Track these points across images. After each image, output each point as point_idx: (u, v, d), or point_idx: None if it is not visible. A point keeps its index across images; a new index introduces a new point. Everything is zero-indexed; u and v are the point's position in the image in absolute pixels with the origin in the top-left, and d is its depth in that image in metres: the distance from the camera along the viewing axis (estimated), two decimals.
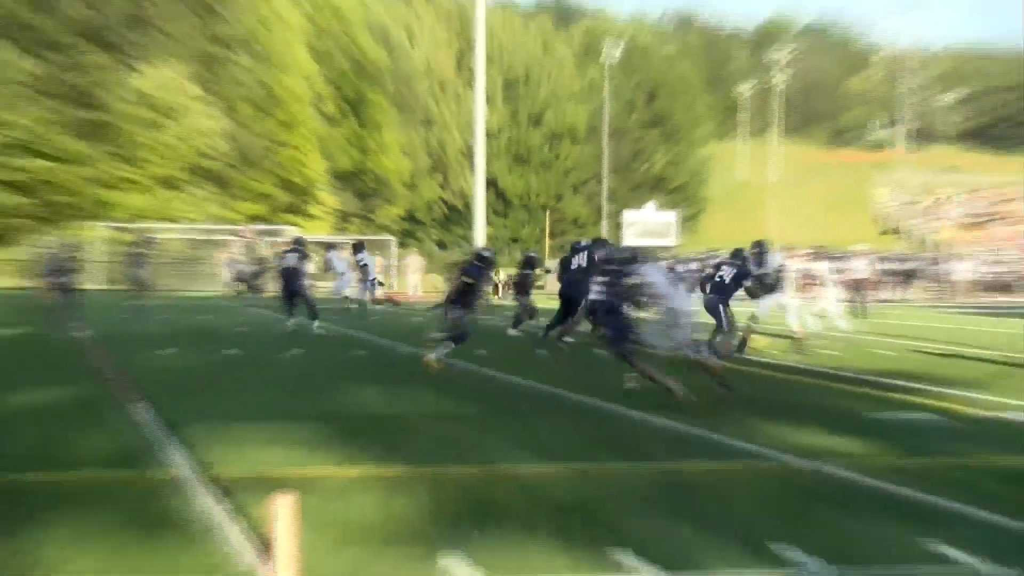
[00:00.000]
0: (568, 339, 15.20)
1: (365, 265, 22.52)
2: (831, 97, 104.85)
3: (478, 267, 12.22)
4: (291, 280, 17.63)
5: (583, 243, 16.56)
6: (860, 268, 24.53)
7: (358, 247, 23.35)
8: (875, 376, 12.35)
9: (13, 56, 40.59)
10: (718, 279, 14.33)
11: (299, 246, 18.44)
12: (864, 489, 6.48)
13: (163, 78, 43.82)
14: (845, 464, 7.01)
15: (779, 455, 7.36)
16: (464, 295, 12.28)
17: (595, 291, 10.19)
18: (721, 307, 14.04)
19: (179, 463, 6.81)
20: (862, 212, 64.87)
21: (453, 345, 11.91)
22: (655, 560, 4.75)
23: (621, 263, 10.14)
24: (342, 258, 24.35)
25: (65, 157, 41.93)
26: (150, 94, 43.89)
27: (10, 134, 39.83)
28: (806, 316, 16.21)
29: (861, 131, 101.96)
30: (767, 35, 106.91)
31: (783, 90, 71.28)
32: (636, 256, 10.62)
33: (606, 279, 9.99)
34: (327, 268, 26.08)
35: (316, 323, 17.19)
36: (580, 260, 15.39)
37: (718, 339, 13.84)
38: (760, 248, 15.55)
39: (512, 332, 17.63)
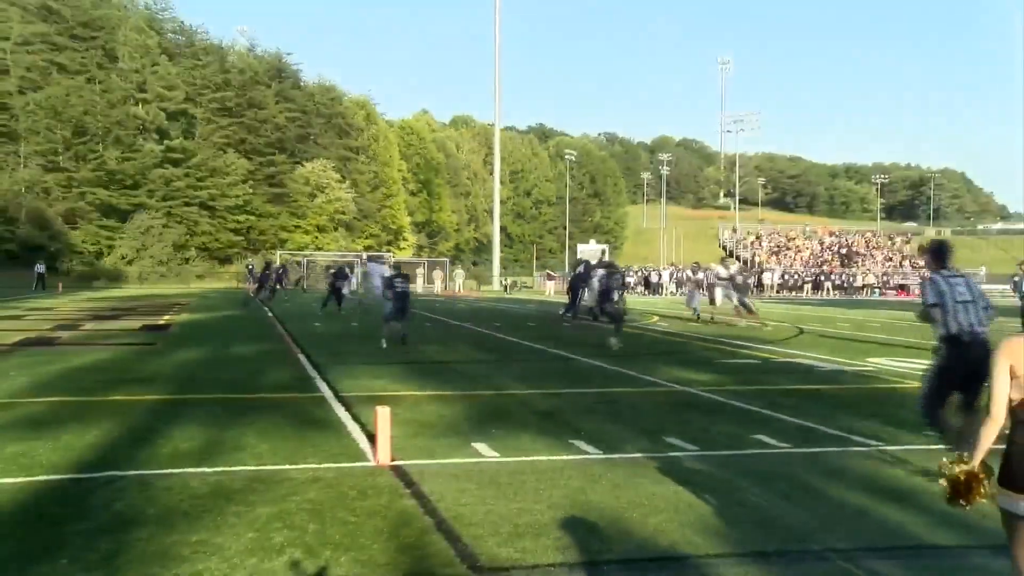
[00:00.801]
0: (568, 316, 21.82)
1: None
2: (694, 179, 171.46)
3: (580, 275, 18.60)
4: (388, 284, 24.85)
5: (581, 261, 26.57)
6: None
7: (373, 259, 30.81)
8: (726, 338, 17.94)
9: (234, 158, 67.32)
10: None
11: (381, 262, 26.12)
12: (716, 403, 9.51)
13: (317, 168, 70.39)
14: (703, 388, 10.46)
15: (667, 384, 11.13)
16: (604, 295, 17.08)
17: (597, 283, 17.03)
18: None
19: (322, 388, 10.15)
20: (712, 245, 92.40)
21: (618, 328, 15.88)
22: (598, 446, 7.12)
23: (608, 268, 17.61)
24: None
25: (262, 213, 68.58)
26: (309, 178, 70.17)
27: (234, 202, 65.94)
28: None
29: (712, 199, 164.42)
30: (659, 143, 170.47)
31: (665, 174, 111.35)
32: (611, 265, 18.66)
33: (603, 276, 16.92)
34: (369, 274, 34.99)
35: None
36: (579, 269, 22.93)
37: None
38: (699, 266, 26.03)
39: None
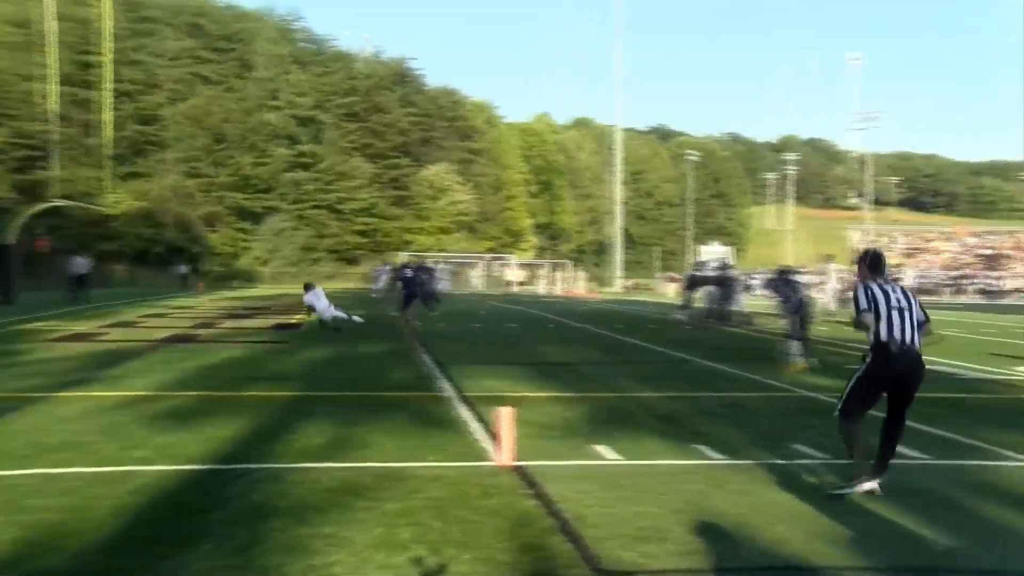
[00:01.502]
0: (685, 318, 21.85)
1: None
2: (821, 179, 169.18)
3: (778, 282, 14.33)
4: None
5: (698, 263, 26.58)
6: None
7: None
8: (856, 342, 15.46)
9: (360, 162, 70.00)
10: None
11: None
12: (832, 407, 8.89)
13: (439, 171, 72.21)
14: (831, 394, 9.20)
15: (792, 388, 10.93)
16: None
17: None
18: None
19: (444, 387, 10.29)
20: (841, 246, 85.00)
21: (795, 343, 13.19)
22: (720, 450, 7.04)
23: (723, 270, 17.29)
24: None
25: (386, 215, 70.79)
26: (432, 181, 71.99)
27: (359, 204, 68.72)
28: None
29: (840, 199, 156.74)
30: (784, 142, 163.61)
31: (791, 174, 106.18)
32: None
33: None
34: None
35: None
36: (694, 271, 23.73)
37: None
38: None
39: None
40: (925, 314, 5.89)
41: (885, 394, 5.91)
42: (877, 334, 5.74)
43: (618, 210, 60.69)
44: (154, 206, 59.90)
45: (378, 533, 4.75)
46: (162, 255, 57.95)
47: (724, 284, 22.12)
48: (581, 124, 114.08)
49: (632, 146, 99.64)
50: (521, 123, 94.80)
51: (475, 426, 7.93)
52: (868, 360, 5.85)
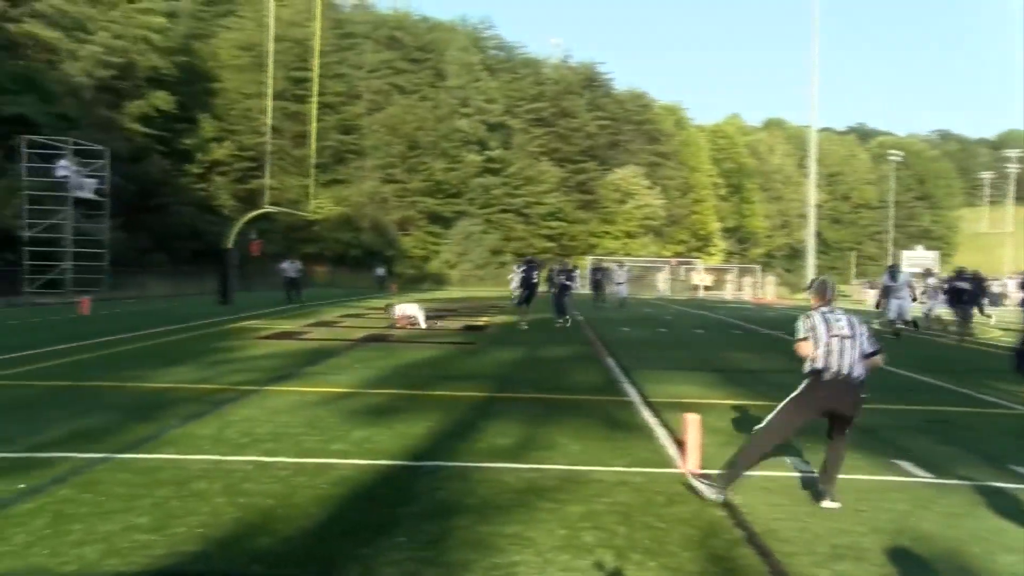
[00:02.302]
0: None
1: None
2: None
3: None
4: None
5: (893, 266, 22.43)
6: None
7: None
8: None
9: (548, 166, 70.89)
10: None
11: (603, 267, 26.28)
12: None
13: (627, 175, 72.02)
14: None
15: (1011, 405, 10.06)
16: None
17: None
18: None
19: (629, 392, 10.23)
20: None
21: None
22: (927, 468, 6.59)
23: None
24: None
25: (573, 219, 71.07)
26: (619, 184, 72.04)
27: (547, 209, 69.30)
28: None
29: None
30: (1004, 138, 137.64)
31: (1013, 173, 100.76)
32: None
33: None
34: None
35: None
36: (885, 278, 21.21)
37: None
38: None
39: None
40: (873, 345, 5.82)
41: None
42: (813, 361, 5.76)
43: (811, 213, 58.21)
44: (352, 211, 63.35)
45: (562, 535, 4.78)
46: (359, 258, 61.19)
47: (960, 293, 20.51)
48: (773, 125, 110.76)
49: (828, 147, 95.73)
50: (711, 125, 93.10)
51: (660, 432, 7.86)
52: (803, 384, 5.85)
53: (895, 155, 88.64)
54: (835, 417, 5.87)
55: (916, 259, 63.69)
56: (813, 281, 6.36)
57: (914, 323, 21.60)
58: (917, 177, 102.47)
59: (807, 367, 5.82)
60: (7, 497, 5.32)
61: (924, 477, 6.39)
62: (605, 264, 41.72)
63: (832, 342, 5.73)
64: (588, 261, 53.79)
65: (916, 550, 4.69)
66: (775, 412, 5.88)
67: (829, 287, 6.14)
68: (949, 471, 6.57)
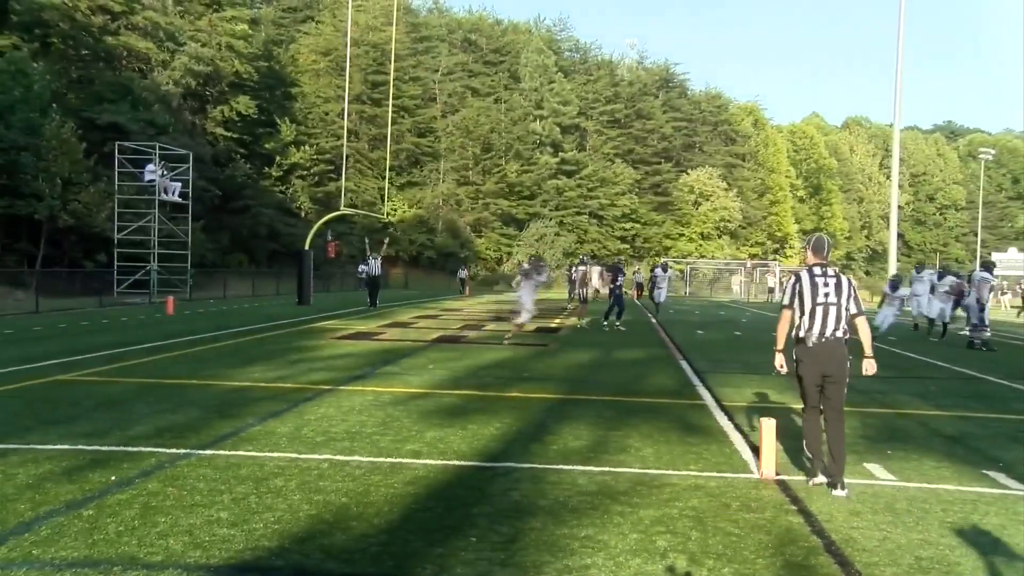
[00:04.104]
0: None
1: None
2: None
3: None
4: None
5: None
6: None
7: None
8: None
9: (622, 168, 70.67)
10: None
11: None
12: None
13: (702, 176, 71.63)
14: None
15: None
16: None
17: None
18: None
19: (704, 395, 10.20)
20: None
21: None
22: (1022, 480, 6.28)
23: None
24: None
25: (647, 221, 71.27)
26: (694, 186, 71.63)
27: (621, 211, 69.46)
28: None
29: None
30: None
31: None
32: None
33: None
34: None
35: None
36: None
37: None
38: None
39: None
40: (858, 307, 6.10)
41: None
42: (798, 328, 6.10)
43: (894, 215, 56.59)
44: (427, 213, 64.01)
45: (635, 539, 4.74)
46: (433, 259, 61.77)
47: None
48: (855, 124, 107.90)
49: (913, 146, 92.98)
50: (790, 125, 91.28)
51: (735, 436, 7.76)
52: (795, 357, 6.14)
53: (985, 152, 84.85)
54: (827, 383, 6.05)
55: (1007, 261, 61.44)
56: (811, 238, 6.48)
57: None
58: (1011, 176, 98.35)
59: (794, 333, 6.17)
60: (102, 488, 5.53)
61: (1019, 489, 6.11)
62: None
63: (817, 310, 6.01)
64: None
65: (1011, 568, 4.48)
66: (801, 392, 6.29)
67: (826, 244, 6.28)
68: None
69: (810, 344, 6.01)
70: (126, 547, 4.39)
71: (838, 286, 6.07)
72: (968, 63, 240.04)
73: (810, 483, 6.05)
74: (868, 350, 6.17)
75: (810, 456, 6.17)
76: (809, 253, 6.33)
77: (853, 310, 6.07)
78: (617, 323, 21.11)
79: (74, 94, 38.50)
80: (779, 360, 6.37)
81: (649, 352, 15.77)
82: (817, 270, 6.16)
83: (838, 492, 5.78)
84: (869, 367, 6.18)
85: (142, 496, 5.36)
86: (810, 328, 6.01)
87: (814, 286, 6.06)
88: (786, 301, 6.22)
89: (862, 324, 6.14)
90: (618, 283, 21.59)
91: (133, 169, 34.54)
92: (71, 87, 38.89)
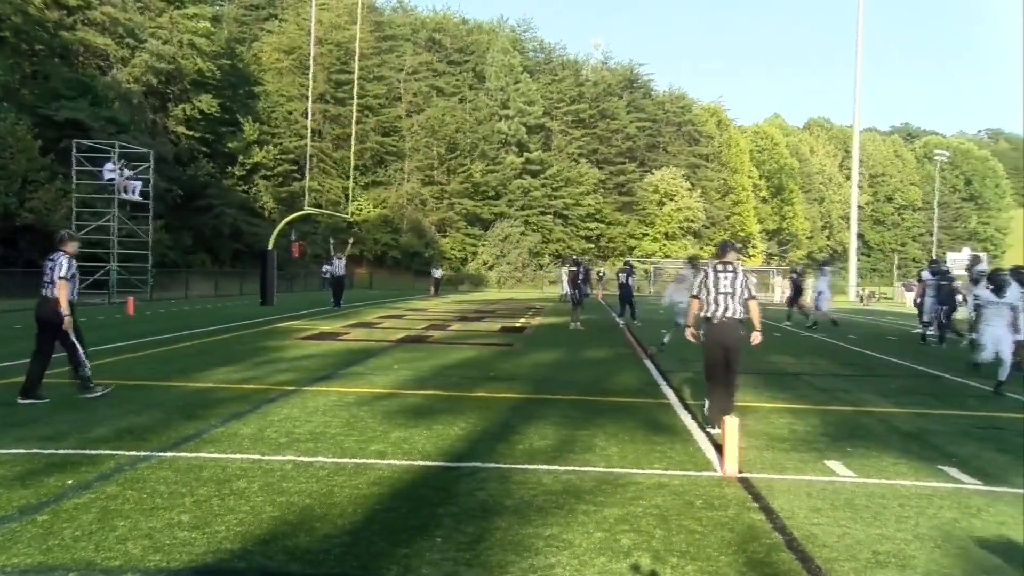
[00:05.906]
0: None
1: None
2: None
3: None
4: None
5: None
6: None
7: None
8: None
9: (587, 168, 71.15)
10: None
11: (630, 267, 24.58)
12: None
13: (666, 176, 72.07)
14: None
15: None
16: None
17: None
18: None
19: (668, 394, 10.26)
20: None
21: None
22: (976, 475, 6.42)
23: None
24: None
25: (611, 221, 71.87)
26: (658, 186, 72.04)
27: (586, 210, 69.85)
28: None
29: None
30: None
31: None
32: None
33: None
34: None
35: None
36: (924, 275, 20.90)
37: None
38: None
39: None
40: (750, 293, 7.95)
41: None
42: (704, 311, 7.97)
43: (854, 214, 57.16)
44: (391, 213, 63.76)
45: (599, 537, 4.77)
46: (398, 259, 61.55)
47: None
48: (816, 125, 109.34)
49: (872, 147, 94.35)
50: (752, 126, 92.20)
51: (699, 435, 7.80)
52: (703, 333, 8.03)
53: (940, 154, 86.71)
54: (728, 353, 7.91)
55: (960, 261, 62.69)
56: (720, 242, 8.44)
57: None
58: (964, 177, 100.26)
59: (701, 315, 8.04)
60: (58, 492, 5.44)
61: (972, 484, 6.24)
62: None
63: (720, 297, 7.87)
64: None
65: (965, 559, 4.58)
66: (705, 367, 8.15)
67: (729, 247, 8.23)
68: (1000, 478, 6.40)
69: (715, 322, 7.92)
70: (83, 552, 4.32)
71: (734, 279, 7.89)
72: (925, 66, 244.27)
73: (710, 430, 7.87)
74: (757, 325, 8.12)
75: (710, 418, 8.00)
76: (717, 254, 8.24)
77: (746, 295, 7.93)
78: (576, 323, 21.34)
79: (28, 90, 37.80)
80: (690, 333, 8.46)
81: (613, 351, 15.82)
82: (720, 267, 7.96)
83: (714, 430, 7.74)
84: (755, 338, 8.15)
85: (100, 500, 5.28)
86: (715, 311, 7.90)
87: (716, 279, 7.90)
88: (695, 292, 8.12)
89: (753, 306, 8.00)
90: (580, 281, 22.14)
91: (92, 168, 33.94)
92: (25, 83, 38.18)
